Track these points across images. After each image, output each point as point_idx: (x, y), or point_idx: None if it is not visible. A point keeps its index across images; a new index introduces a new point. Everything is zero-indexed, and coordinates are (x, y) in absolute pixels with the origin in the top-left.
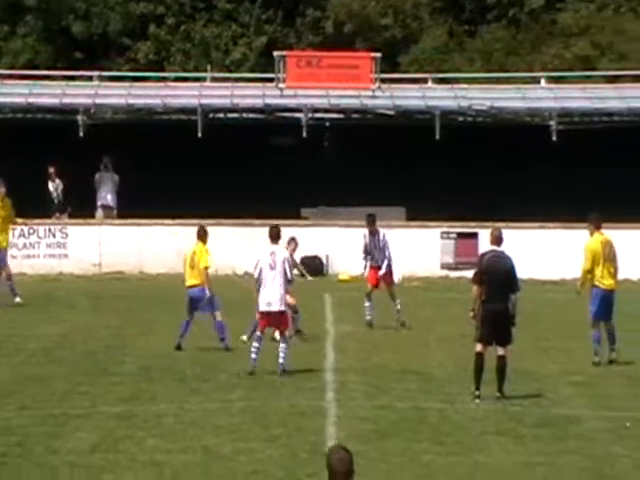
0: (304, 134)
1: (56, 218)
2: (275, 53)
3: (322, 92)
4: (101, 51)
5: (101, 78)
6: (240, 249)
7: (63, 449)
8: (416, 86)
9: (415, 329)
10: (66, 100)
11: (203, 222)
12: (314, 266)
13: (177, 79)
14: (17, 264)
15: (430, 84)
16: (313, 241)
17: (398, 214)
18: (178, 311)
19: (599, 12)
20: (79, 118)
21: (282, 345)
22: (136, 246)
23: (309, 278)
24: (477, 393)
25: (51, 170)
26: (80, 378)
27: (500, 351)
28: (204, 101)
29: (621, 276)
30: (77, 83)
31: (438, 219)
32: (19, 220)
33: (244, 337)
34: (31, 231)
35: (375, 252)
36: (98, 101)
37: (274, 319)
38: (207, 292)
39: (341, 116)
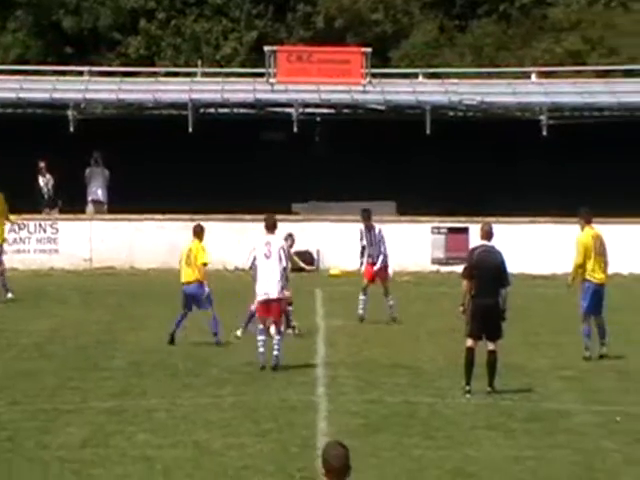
0: (295, 129)
1: (46, 213)
2: (266, 48)
3: (313, 87)
4: (91, 46)
5: (91, 73)
6: (231, 244)
7: (54, 444)
8: (407, 81)
9: (406, 323)
10: (56, 95)
11: (194, 217)
12: (305, 261)
13: (168, 74)
14: (8, 259)
15: (421, 79)
16: (304, 236)
17: (389, 209)
18: (169, 306)
19: (589, 7)
20: (69, 113)
21: (277, 337)
22: (127, 241)
23: (308, 268)
24: (467, 388)
25: (42, 165)
26: (71, 373)
27: (490, 346)
28: (195, 96)
29: (611, 270)
30: (67, 78)
31: (429, 214)
32: (12, 217)
33: (238, 332)
34: (22, 226)
35: (371, 247)
36: (88, 96)
37: (272, 307)
38: (206, 289)
39: (332, 111)
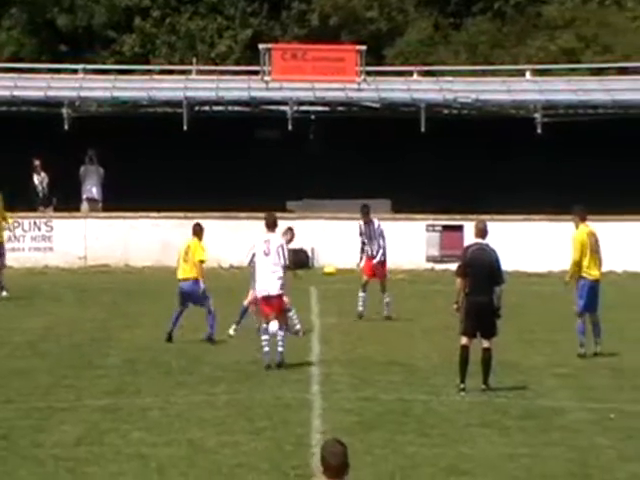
0: (289, 127)
1: (41, 211)
2: (260, 46)
3: (307, 85)
4: (86, 44)
5: (86, 71)
6: (226, 241)
7: (48, 442)
8: (401, 79)
9: (400, 321)
10: (51, 93)
11: (188, 215)
12: (299, 259)
13: (162, 72)
14: None
15: (415, 77)
16: (298, 234)
17: (384, 206)
18: (163, 303)
19: (584, 5)
20: (64, 111)
21: (280, 334)
22: (121, 239)
23: (300, 273)
24: (462, 386)
25: (36, 163)
26: (65, 371)
27: (485, 343)
28: (189, 94)
29: (606, 268)
30: (62, 76)
31: (424, 212)
32: (9, 219)
33: (230, 331)
34: (16, 224)
35: (370, 242)
36: (83, 94)
37: (273, 304)
38: (202, 285)
39: (326, 109)
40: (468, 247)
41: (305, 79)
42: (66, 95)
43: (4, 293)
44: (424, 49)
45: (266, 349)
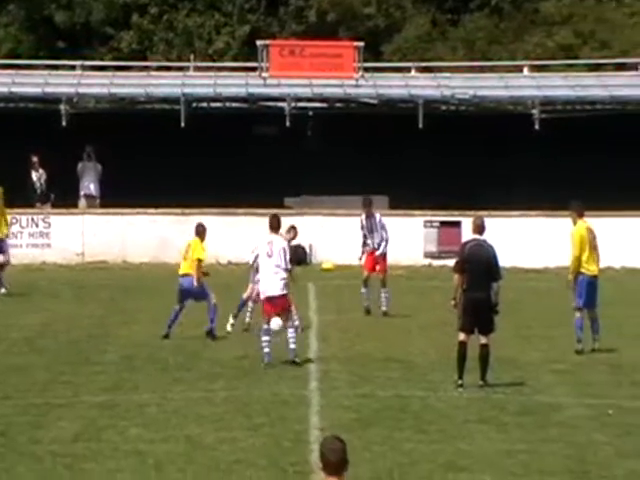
0: (287, 123)
1: (38, 208)
2: (258, 42)
3: (305, 81)
4: (84, 40)
5: (84, 67)
6: (223, 238)
7: (46, 438)
8: (399, 75)
9: (398, 317)
10: (48, 89)
11: (186, 211)
12: (298, 255)
13: (160, 68)
14: None
15: (413, 73)
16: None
17: (381, 203)
18: (161, 300)
19: (581, 1)
20: (62, 107)
21: (290, 330)
22: (119, 235)
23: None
24: (460, 382)
25: (34, 159)
26: (62, 367)
27: (482, 339)
28: (187, 90)
29: (604, 264)
30: (60, 72)
31: (421, 208)
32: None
33: (228, 326)
34: (14, 221)
35: (371, 235)
36: (81, 90)
37: (277, 304)
38: (195, 283)
39: (324, 105)
40: (466, 243)
41: (303, 75)
42: (64, 91)
43: (2, 290)
44: (422, 45)
45: (266, 350)
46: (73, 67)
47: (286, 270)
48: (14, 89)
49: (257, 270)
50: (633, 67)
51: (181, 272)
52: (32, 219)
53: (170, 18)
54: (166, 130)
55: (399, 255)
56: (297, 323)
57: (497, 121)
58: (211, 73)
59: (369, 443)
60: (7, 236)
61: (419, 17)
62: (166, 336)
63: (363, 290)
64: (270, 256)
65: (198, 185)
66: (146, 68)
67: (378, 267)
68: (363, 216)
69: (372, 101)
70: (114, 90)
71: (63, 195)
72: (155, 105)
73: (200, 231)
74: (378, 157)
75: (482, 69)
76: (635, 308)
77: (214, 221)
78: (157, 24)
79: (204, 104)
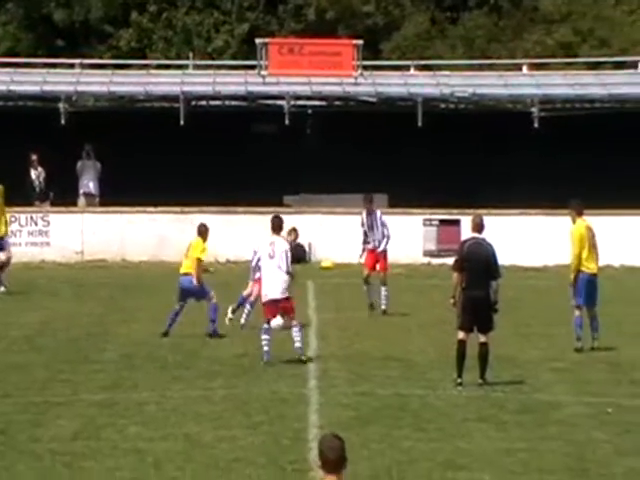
0: (286, 121)
1: (37, 206)
2: (257, 40)
3: (304, 79)
4: (83, 39)
5: (83, 66)
6: (222, 236)
7: (45, 437)
8: (398, 73)
9: (397, 316)
10: (47, 88)
11: (185, 209)
12: (297, 254)
13: (159, 67)
14: None
15: (412, 71)
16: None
17: (380, 201)
18: (160, 298)
19: None
20: (61, 106)
21: (295, 329)
22: (118, 234)
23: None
24: (459, 381)
25: (34, 158)
26: (61, 366)
27: (482, 338)
28: (186, 89)
29: (603, 262)
30: (58, 71)
31: (420, 206)
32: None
33: (226, 320)
34: (13, 219)
35: (371, 232)
36: (80, 89)
37: (279, 307)
38: (194, 282)
39: (323, 103)
40: (465, 241)
41: (302, 73)
42: (63, 90)
43: (2, 289)
44: (421, 43)
45: (266, 348)
46: (72, 65)
47: (287, 273)
48: (13, 87)
49: (259, 269)
50: (632, 65)
51: (182, 271)
52: (31, 217)
53: (169, 16)
54: (165, 128)
55: (398, 253)
56: (280, 324)
57: (496, 119)
58: (210, 71)
59: (368, 441)
60: (6, 234)
61: (418, 15)
62: (165, 334)
63: (365, 288)
64: (272, 257)
65: (197, 183)
66: (145, 66)
67: (378, 265)
68: (364, 213)
69: (371, 99)
70: (113, 88)
71: (62, 193)
72: (154, 103)
73: (202, 231)
74: (377, 155)
75: (481, 67)
76: (634, 306)
77: (213, 219)
78: (156, 22)
79: (203, 102)
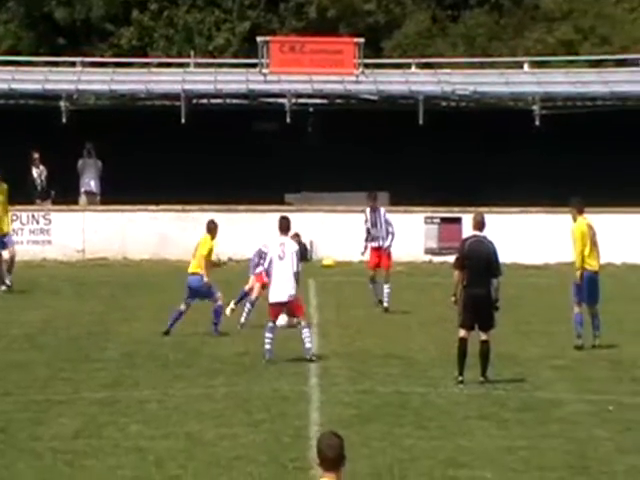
0: (288, 120)
1: (38, 205)
2: (258, 39)
3: (305, 77)
4: (84, 37)
5: (84, 64)
6: (224, 235)
7: (46, 435)
8: (399, 71)
9: (398, 314)
10: (49, 86)
11: (186, 208)
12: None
13: (160, 65)
14: None
15: (413, 69)
16: (297, 227)
17: (382, 199)
18: (161, 296)
19: None
20: (62, 104)
21: (305, 330)
22: (119, 232)
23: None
24: (460, 378)
25: (35, 156)
26: (63, 364)
27: (483, 336)
28: (187, 87)
29: (605, 260)
30: (60, 69)
31: (422, 204)
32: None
33: (227, 311)
34: (14, 217)
35: (375, 229)
36: (81, 87)
37: (287, 308)
38: (205, 279)
39: (325, 101)
40: (466, 239)
41: (303, 72)
42: (64, 88)
43: (3, 287)
44: (422, 41)
45: (268, 347)
46: (73, 64)
47: (296, 274)
48: (14, 86)
49: (261, 265)
50: (633, 63)
51: (190, 270)
52: (33, 216)
53: (170, 14)
54: (166, 127)
55: (399, 251)
56: (285, 322)
57: (497, 117)
58: (211, 69)
59: (369, 439)
60: (9, 232)
61: (419, 13)
62: (166, 333)
63: (371, 286)
64: (282, 258)
65: (198, 182)
66: (146, 65)
67: (382, 262)
68: (367, 210)
69: (372, 97)
70: (114, 87)
71: (63, 192)
72: (155, 102)
73: (211, 228)
74: (378, 154)
75: (482, 65)
76: (636, 304)
77: (214, 217)
78: (157, 20)
79: (204, 100)
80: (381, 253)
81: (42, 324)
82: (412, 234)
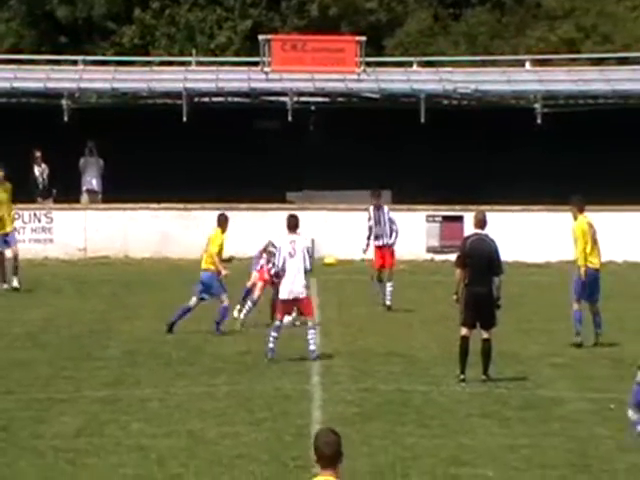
0: (289, 118)
1: (40, 203)
2: (260, 37)
3: (307, 76)
4: (85, 35)
5: (85, 62)
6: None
7: (48, 433)
8: (401, 69)
9: (400, 312)
10: (50, 84)
11: (188, 206)
12: None
13: (162, 63)
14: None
15: (415, 67)
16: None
17: (384, 197)
18: (163, 295)
19: None
20: (64, 102)
21: (311, 331)
22: (121, 230)
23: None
24: (462, 377)
25: (37, 154)
26: (64, 362)
27: (484, 334)
28: (189, 85)
29: (606, 258)
30: (61, 67)
31: (423, 202)
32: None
33: (235, 313)
34: (16, 216)
35: (378, 227)
36: (83, 85)
37: (298, 306)
38: (223, 272)
39: (326, 100)
40: (467, 238)
41: (305, 70)
42: (66, 86)
43: (5, 286)
44: (424, 40)
45: (271, 345)
46: (75, 62)
47: (307, 271)
48: (16, 84)
49: (272, 263)
50: (635, 61)
51: (202, 266)
52: (34, 214)
53: (172, 13)
54: (168, 125)
55: (401, 250)
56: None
57: (499, 115)
58: (213, 68)
59: (371, 437)
60: (12, 231)
61: (421, 11)
62: (170, 327)
63: (377, 287)
64: (293, 256)
65: (200, 180)
66: (148, 63)
67: (385, 260)
68: (371, 208)
69: (374, 96)
70: (116, 85)
71: (65, 190)
72: (157, 100)
73: (222, 221)
74: (380, 152)
75: (484, 63)
76: (637, 302)
77: (215, 216)
78: (159, 19)
79: (206, 99)
80: (385, 252)
81: (44, 322)
82: (414, 232)
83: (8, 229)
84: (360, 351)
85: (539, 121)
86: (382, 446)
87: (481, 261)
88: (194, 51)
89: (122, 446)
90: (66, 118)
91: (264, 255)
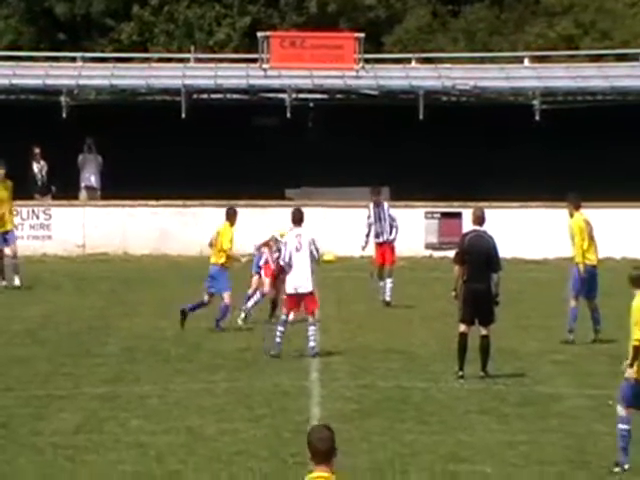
0: (288, 114)
1: (38, 200)
2: (259, 34)
3: (306, 72)
4: (84, 32)
5: (84, 59)
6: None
7: (47, 430)
8: (400, 66)
9: (399, 308)
10: (49, 81)
11: (187, 203)
12: None
13: (160, 60)
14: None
15: (414, 64)
16: None
17: (383, 194)
18: (162, 291)
19: None
20: (62, 99)
21: (312, 327)
22: (120, 227)
23: None
24: (461, 373)
25: (37, 151)
26: (64, 359)
27: (483, 331)
28: (188, 82)
29: (604, 255)
30: (60, 64)
31: (422, 199)
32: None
33: (239, 321)
34: (15, 212)
35: (378, 224)
36: (81, 82)
37: (303, 300)
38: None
39: (325, 96)
40: (466, 234)
41: (303, 66)
42: (64, 83)
43: (4, 282)
44: (422, 36)
45: (278, 340)
46: (74, 59)
47: (314, 261)
48: (15, 81)
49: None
50: (634, 58)
51: (210, 261)
52: (33, 211)
53: (171, 9)
54: (167, 122)
55: (400, 246)
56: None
57: (498, 112)
58: (212, 64)
59: (370, 434)
60: (12, 229)
61: (420, 8)
62: (183, 313)
63: (381, 284)
64: (299, 250)
65: (199, 177)
66: (147, 60)
67: (386, 256)
68: (371, 205)
69: (373, 92)
70: (115, 82)
71: (64, 187)
72: (156, 97)
73: (230, 214)
74: (379, 148)
75: (483, 60)
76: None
77: (214, 213)
78: (158, 16)
79: (205, 95)
80: (385, 248)
81: (43, 319)
82: (412, 229)
83: (8, 227)
84: (359, 348)
85: (538, 118)
86: (381, 442)
87: (479, 257)
88: (193, 48)
89: (121, 443)
90: (65, 115)
91: (264, 250)
